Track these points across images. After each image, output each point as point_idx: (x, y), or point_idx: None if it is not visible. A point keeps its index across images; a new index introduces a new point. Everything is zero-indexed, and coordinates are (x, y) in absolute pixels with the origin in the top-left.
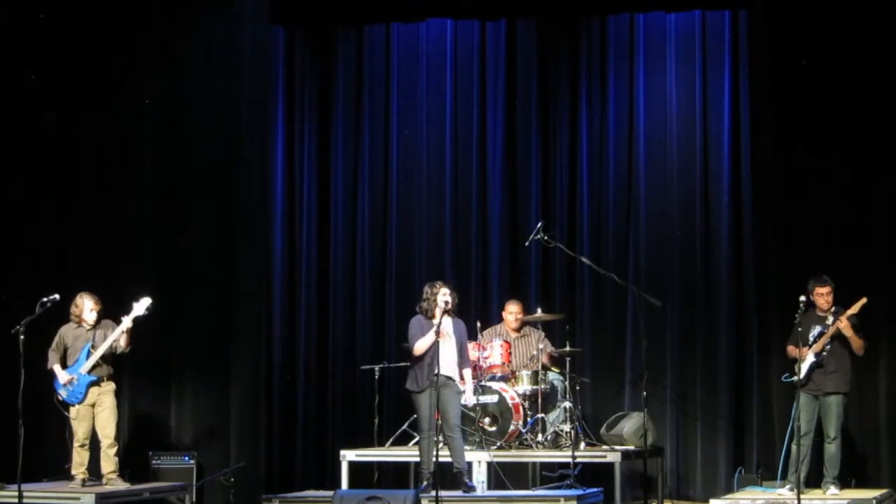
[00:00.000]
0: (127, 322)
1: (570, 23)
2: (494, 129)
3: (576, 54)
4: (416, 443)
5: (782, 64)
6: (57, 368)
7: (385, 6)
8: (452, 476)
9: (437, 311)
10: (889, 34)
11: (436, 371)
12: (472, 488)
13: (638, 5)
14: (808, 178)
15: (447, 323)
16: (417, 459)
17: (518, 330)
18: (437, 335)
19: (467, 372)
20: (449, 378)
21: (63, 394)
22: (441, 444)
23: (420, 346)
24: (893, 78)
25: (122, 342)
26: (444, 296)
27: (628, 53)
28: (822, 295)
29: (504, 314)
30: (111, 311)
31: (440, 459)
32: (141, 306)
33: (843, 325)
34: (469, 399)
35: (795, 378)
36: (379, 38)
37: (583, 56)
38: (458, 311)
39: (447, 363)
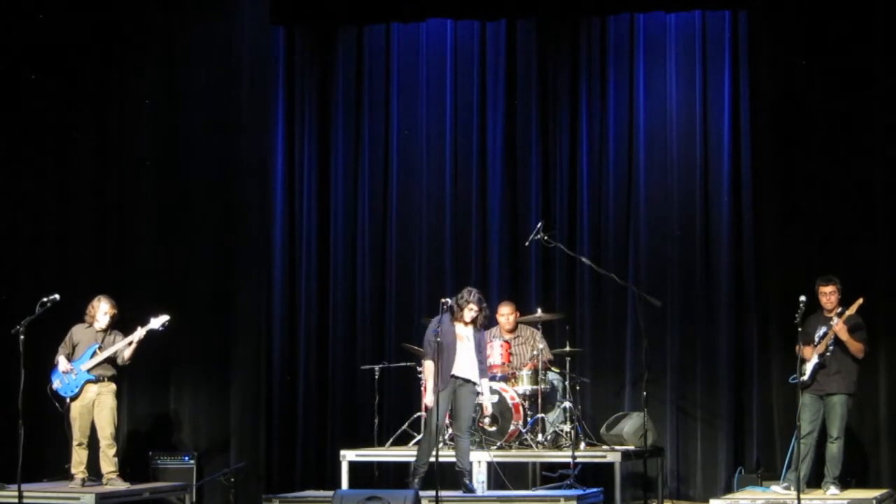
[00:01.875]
0: (140, 333)
1: (570, 23)
2: (494, 129)
3: (576, 54)
4: (416, 442)
5: (782, 64)
6: (61, 358)
7: (385, 6)
8: (453, 476)
9: (465, 317)
10: (889, 33)
11: (451, 373)
12: (472, 490)
13: (638, 5)
14: (807, 178)
15: (464, 328)
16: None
17: (512, 331)
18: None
19: (484, 382)
20: (467, 380)
21: (57, 384)
22: (441, 445)
23: (427, 367)
24: (893, 77)
25: (126, 354)
26: (469, 311)
27: (628, 53)
28: (825, 294)
29: (497, 316)
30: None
31: (441, 460)
32: (157, 321)
33: (839, 328)
34: (486, 404)
35: (800, 379)
36: (379, 38)
37: (583, 56)
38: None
39: (465, 365)
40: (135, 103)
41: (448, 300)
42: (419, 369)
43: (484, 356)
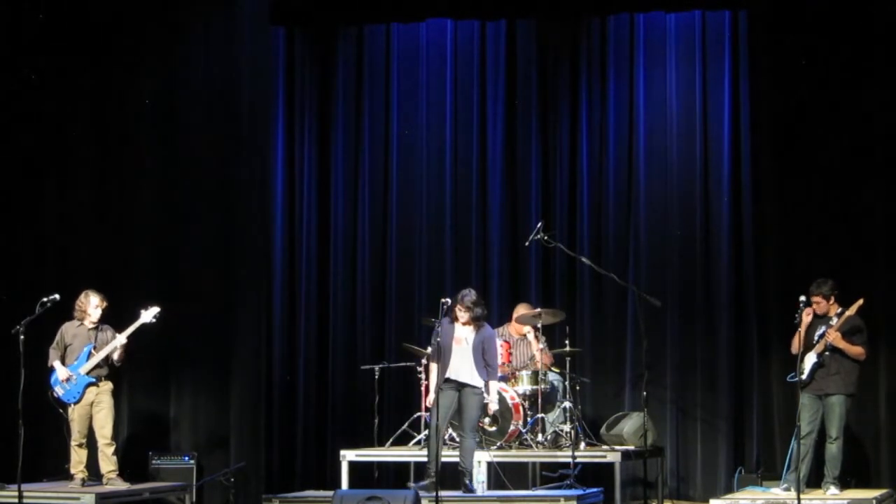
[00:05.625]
0: (133, 328)
1: (570, 23)
2: (494, 129)
3: (576, 54)
4: (420, 441)
5: (782, 64)
6: (57, 364)
7: (385, 6)
8: (453, 476)
9: (458, 317)
10: (889, 33)
11: (445, 376)
12: (472, 490)
13: (638, 5)
14: (808, 178)
15: (464, 330)
16: (417, 459)
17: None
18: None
19: (493, 384)
20: (464, 384)
21: (59, 391)
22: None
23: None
24: (893, 77)
25: (115, 355)
26: (459, 310)
27: (628, 53)
28: (816, 303)
29: (514, 314)
30: (111, 312)
31: (443, 459)
32: (148, 314)
33: (833, 337)
34: (491, 406)
35: (798, 378)
36: (379, 38)
37: (583, 56)
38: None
39: (461, 369)
40: (135, 103)
41: (448, 300)
42: (419, 369)
43: (492, 358)
